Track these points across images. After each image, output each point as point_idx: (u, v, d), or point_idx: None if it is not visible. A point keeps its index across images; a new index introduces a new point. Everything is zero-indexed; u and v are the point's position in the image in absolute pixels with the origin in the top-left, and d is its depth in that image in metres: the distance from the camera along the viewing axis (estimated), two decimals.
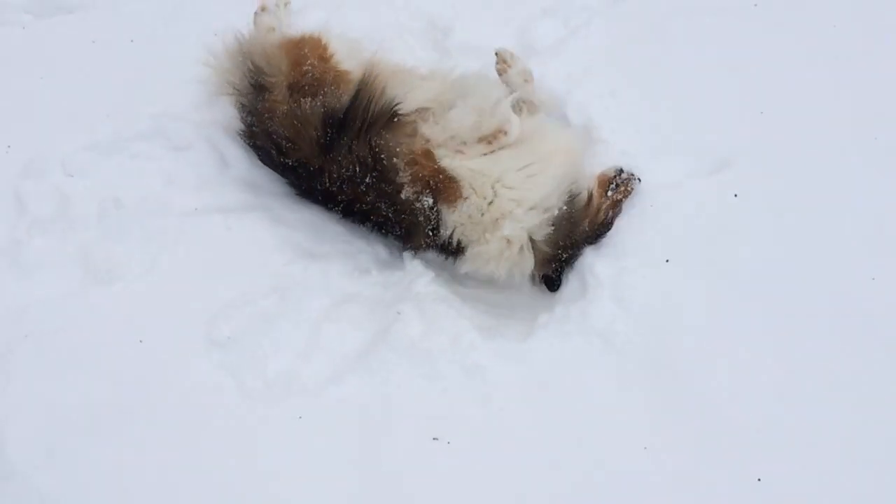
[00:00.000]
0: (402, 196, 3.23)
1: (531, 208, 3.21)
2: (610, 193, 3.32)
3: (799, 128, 3.44)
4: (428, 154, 3.22)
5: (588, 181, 3.36)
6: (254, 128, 3.46)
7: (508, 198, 3.20)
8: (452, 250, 3.32)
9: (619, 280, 3.09)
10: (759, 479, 2.60)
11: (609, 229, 3.28)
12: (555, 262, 3.31)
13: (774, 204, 3.23)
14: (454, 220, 3.23)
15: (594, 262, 3.18)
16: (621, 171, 3.37)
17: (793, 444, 2.67)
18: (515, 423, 2.80)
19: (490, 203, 3.21)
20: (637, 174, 3.34)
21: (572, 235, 3.26)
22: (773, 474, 2.60)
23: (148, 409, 2.80)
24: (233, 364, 2.92)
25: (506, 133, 3.23)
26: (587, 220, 3.29)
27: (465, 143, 3.23)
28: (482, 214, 3.22)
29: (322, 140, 3.25)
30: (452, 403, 2.85)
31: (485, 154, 3.24)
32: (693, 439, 2.70)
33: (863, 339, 2.86)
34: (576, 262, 3.31)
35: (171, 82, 3.82)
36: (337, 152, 3.24)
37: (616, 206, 3.31)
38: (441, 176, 3.19)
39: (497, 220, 3.21)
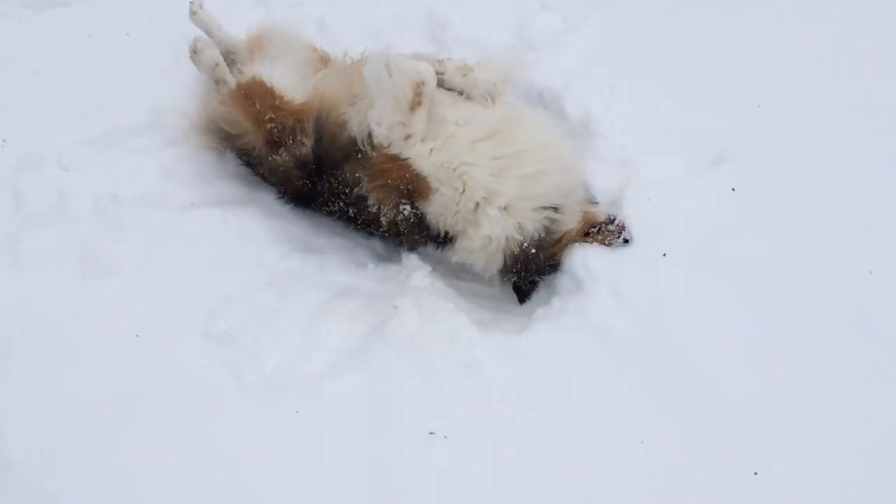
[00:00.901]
0: (385, 214, 3.22)
1: (504, 207, 3.11)
2: (588, 237, 3.22)
3: (797, 122, 3.44)
4: (390, 158, 3.10)
5: (575, 209, 3.24)
6: (253, 171, 3.61)
7: (478, 186, 3.08)
8: (442, 241, 3.26)
9: (616, 275, 3.09)
10: (755, 473, 2.61)
11: (557, 271, 3.24)
12: (512, 273, 3.28)
13: (772, 198, 3.23)
14: (434, 212, 3.16)
15: (589, 258, 3.17)
16: (613, 219, 3.21)
17: (789, 438, 2.68)
18: (512, 417, 2.80)
19: (462, 192, 3.09)
20: (628, 235, 3.16)
21: (530, 259, 3.21)
22: (769, 468, 2.61)
23: (145, 404, 2.79)
24: (230, 359, 2.92)
25: (422, 82, 2.97)
26: (547, 252, 3.21)
27: (403, 124, 3.03)
28: (457, 204, 3.12)
29: (306, 184, 3.38)
30: (450, 398, 2.85)
31: (430, 121, 3.07)
32: (690, 433, 2.71)
33: (860, 334, 2.86)
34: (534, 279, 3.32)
35: (167, 76, 3.82)
36: (322, 190, 3.36)
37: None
38: (407, 176, 3.09)
39: (476, 211, 3.12)
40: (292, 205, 3.56)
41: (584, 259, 3.20)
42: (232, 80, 3.53)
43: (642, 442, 2.71)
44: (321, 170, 3.31)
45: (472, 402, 2.84)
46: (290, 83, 3.40)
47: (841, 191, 3.23)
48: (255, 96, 3.34)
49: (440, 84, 3.18)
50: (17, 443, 2.68)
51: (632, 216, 3.23)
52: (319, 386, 2.87)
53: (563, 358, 2.95)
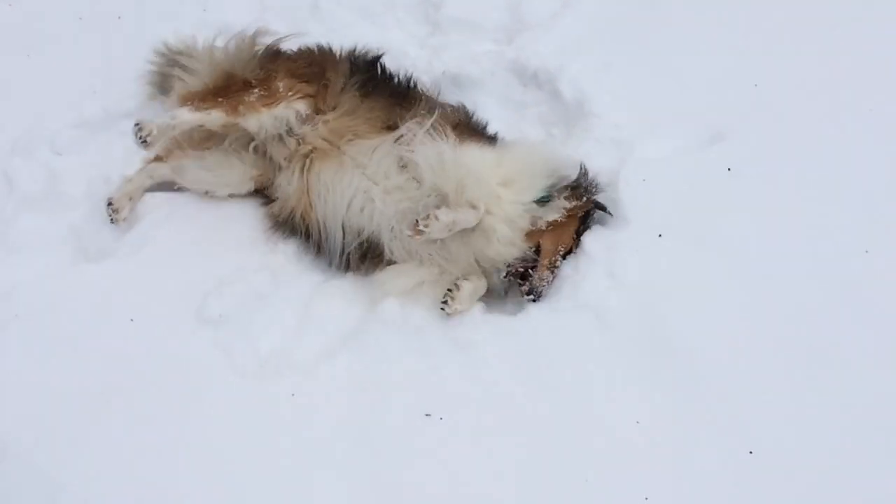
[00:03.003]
0: None
1: None
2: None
3: (793, 100, 3.42)
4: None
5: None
6: None
7: None
8: None
9: (611, 255, 3.08)
10: (750, 452, 2.60)
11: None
12: None
13: (768, 178, 3.22)
14: None
15: (585, 238, 3.17)
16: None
17: (784, 417, 2.67)
18: (508, 398, 2.80)
19: None
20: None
21: None
22: (764, 447, 2.61)
23: (140, 387, 2.79)
24: (225, 342, 2.92)
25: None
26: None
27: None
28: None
29: None
30: (445, 379, 2.85)
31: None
32: (685, 413, 2.70)
33: (856, 314, 2.86)
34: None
35: None
36: None
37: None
38: None
39: None
40: None
41: (582, 239, 3.19)
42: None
43: (638, 422, 2.70)
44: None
45: (467, 383, 2.84)
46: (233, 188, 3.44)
47: (837, 170, 3.22)
48: None
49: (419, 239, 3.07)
50: (12, 426, 2.68)
51: (627, 196, 3.22)
52: (314, 367, 2.87)
53: (559, 339, 2.94)
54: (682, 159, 3.31)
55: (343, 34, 3.60)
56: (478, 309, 3.10)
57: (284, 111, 3.26)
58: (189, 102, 3.27)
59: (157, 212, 3.26)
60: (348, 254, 3.22)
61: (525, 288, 3.10)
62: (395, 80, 3.44)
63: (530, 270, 3.12)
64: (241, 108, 3.25)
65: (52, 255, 3.08)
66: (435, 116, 3.18)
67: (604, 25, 3.83)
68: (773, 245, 3.04)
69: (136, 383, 2.79)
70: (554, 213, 3.15)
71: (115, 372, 2.81)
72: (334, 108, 3.31)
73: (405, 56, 3.84)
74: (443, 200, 3.05)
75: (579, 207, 3.19)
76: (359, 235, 3.19)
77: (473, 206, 3.03)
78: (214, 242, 3.23)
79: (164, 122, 3.17)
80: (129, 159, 3.45)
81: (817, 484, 2.55)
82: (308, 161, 3.26)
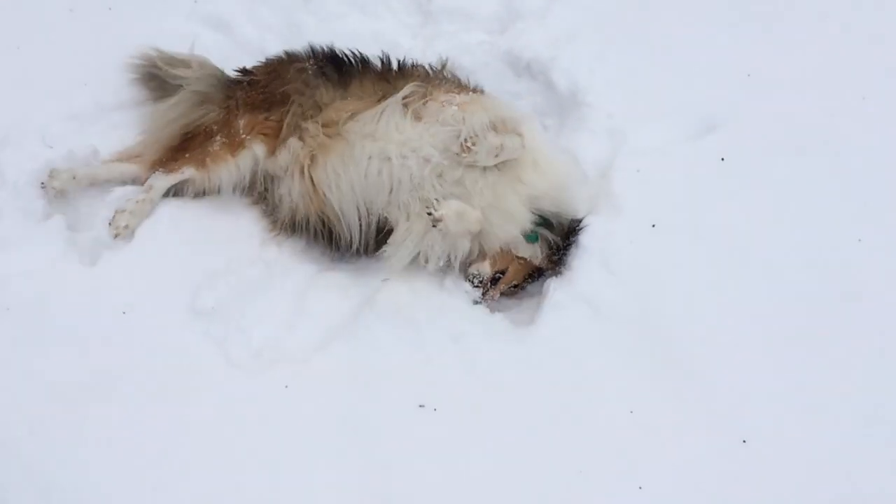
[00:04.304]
0: None
1: None
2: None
3: (786, 90, 3.42)
4: None
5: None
6: None
7: None
8: None
9: (605, 245, 3.08)
10: (743, 441, 2.61)
11: None
12: None
13: (761, 168, 3.23)
14: None
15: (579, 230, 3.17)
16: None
17: (777, 406, 2.69)
18: (502, 388, 2.80)
19: None
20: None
21: None
22: (757, 436, 2.62)
23: (133, 380, 2.78)
24: (218, 334, 2.91)
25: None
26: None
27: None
28: None
29: None
30: (439, 370, 2.85)
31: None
32: (679, 403, 2.72)
33: (849, 302, 2.87)
34: None
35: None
36: None
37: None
38: None
39: None
40: None
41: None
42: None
43: (632, 411, 2.71)
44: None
45: (460, 374, 2.84)
46: None
47: (830, 160, 3.23)
48: None
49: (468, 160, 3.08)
50: (6, 421, 2.66)
51: (621, 187, 3.22)
52: (307, 359, 2.87)
53: (553, 329, 2.95)
54: (676, 149, 3.31)
55: (335, 25, 3.59)
56: (470, 301, 3.11)
57: (245, 157, 3.24)
58: (158, 167, 3.26)
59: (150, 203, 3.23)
60: (366, 233, 3.17)
61: (475, 294, 3.14)
62: (380, 61, 3.40)
63: (490, 284, 3.18)
64: (208, 160, 3.23)
65: (44, 247, 3.04)
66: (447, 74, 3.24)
67: (597, 15, 3.82)
68: (767, 234, 3.05)
69: (129, 376, 2.78)
70: (527, 252, 3.20)
71: (107, 365, 2.79)
72: (318, 108, 3.27)
73: (398, 46, 3.82)
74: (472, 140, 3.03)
75: (544, 263, 3.22)
76: (378, 205, 3.14)
77: (519, 134, 3.06)
78: (208, 235, 3.21)
79: (140, 199, 3.17)
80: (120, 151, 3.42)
81: (810, 472, 2.56)
82: (309, 160, 3.20)
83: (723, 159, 3.23)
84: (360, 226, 3.16)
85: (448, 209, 2.96)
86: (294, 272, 3.16)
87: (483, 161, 3.02)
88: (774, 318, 2.85)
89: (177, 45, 3.61)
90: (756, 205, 3.12)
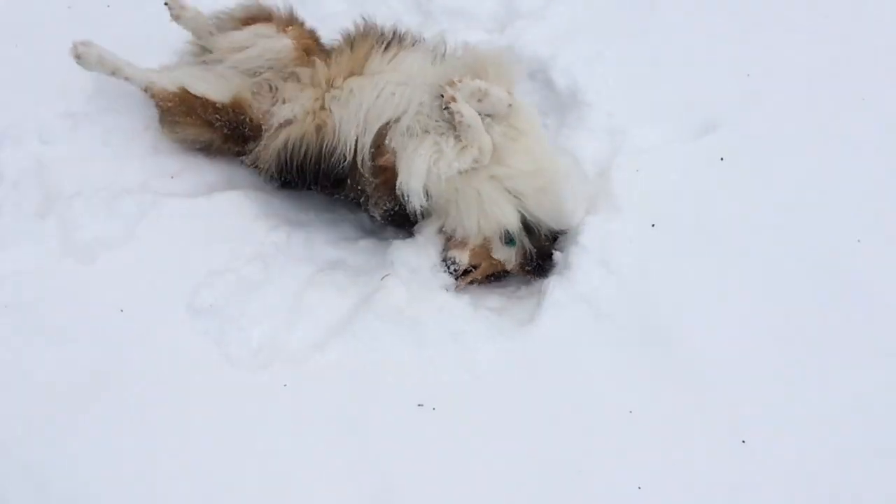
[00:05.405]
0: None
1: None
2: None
3: (785, 90, 3.42)
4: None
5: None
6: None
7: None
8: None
9: (604, 245, 3.08)
10: (743, 441, 2.61)
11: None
12: None
13: (760, 168, 3.23)
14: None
15: (578, 228, 3.16)
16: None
17: (777, 406, 2.69)
18: (501, 388, 2.80)
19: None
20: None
21: None
22: (756, 436, 2.62)
23: (131, 379, 2.76)
24: (216, 332, 2.90)
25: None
26: None
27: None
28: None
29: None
30: (438, 369, 2.84)
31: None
32: (678, 403, 2.71)
33: (848, 302, 2.87)
34: None
35: (149, 48, 3.74)
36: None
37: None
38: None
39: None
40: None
41: (572, 231, 3.19)
42: (142, 78, 3.39)
43: (631, 412, 2.71)
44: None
45: (459, 373, 2.83)
46: (211, 87, 3.35)
47: (829, 160, 3.23)
48: (195, 105, 3.31)
49: (448, 108, 3.04)
50: (2, 420, 2.65)
51: (620, 186, 3.22)
52: (306, 358, 2.86)
53: (553, 329, 2.95)
54: (675, 149, 3.31)
55: (333, 22, 3.56)
56: (469, 302, 3.10)
57: (281, 40, 3.31)
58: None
59: (148, 202, 3.22)
60: (358, 154, 3.15)
61: (447, 281, 3.17)
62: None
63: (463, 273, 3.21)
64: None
65: (41, 245, 3.03)
66: None
67: (596, 14, 3.82)
68: (766, 234, 3.05)
69: (126, 374, 2.77)
70: (502, 255, 3.22)
71: (104, 363, 2.78)
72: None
73: None
74: None
75: (515, 270, 3.27)
76: (378, 122, 3.12)
77: (508, 91, 3.06)
78: (206, 233, 3.19)
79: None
80: (121, 151, 3.42)
81: (810, 473, 2.56)
82: (326, 85, 3.23)
83: (723, 159, 3.24)
84: (357, 142, 3.14)
85: (463, 104, 2.97)
86: (293, 271, 3.15)
87: (465, 95, 2.97)
88: (774, 319, 2.85)
89: (177, 45, 3.60)
90: (756, 205, 3.12)
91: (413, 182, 3.01)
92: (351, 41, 3.32)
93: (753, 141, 3.27)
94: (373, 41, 3.27)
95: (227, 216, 3.28)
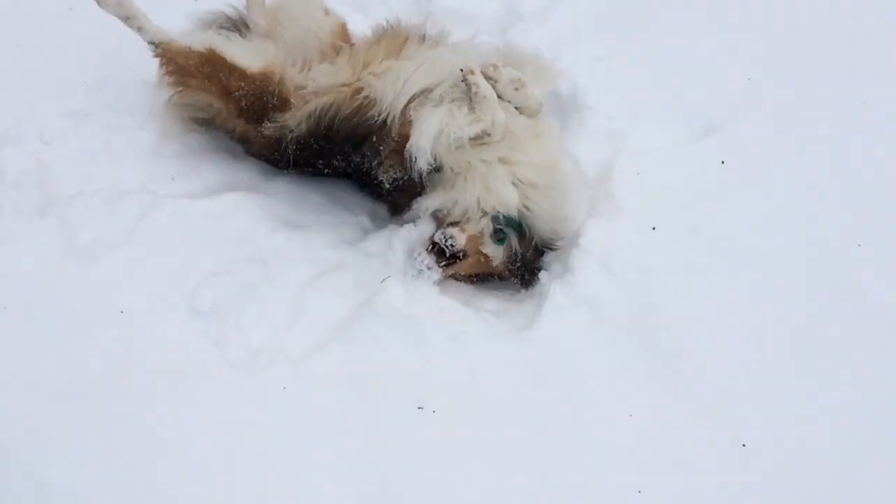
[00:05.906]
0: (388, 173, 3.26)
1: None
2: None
3: (786, 93, 3.43)
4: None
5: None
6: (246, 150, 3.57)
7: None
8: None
9: (605, 248, 3.08)
10: (743, 445, 2.61)
11: None
12: None
13: (761, 171, 3.23)
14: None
15: (579, 230, 3.16)
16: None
17: (778, 409, 2.68)
18: (501, 390, 2.79)
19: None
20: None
21: None
22: (757, 440, 2.61)
23: (130, 380, 2.76)
24: (215, 334, 2.89)
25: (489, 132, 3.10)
26: None
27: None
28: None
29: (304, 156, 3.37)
30: (438, 372, 2.83)
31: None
32: (679, 406, 2.71)
33: (849, 306, 2.87)
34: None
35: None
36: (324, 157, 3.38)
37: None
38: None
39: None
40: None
41: (576, 231, 3.20)
42: (156, 33, 3.38)
43: (631, 415, 2.70)
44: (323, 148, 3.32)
45: (460, 375, 2.83)
46: (244, 52, 3.33)
47: (829, 163, 3.23)
48: (213, 67, 3.27)
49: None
50: (2, 421, 2.65)
51: (621, 189, 3.22)
52: (306, 360, 2.85)
53: (553, 331, 2.94)
54: (677, 151, 3.32)
55: None
56: (468, 304, 3.10)
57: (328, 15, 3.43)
58: None
59: (149, 203, 3.22)
60: (390, 114, 3.16)
61: (428, 262, 3.15)
62: None
63: (450, 258, 3.17)
64: None
65: (42, 246, 3.04)
66: None
67: (597, 17, 3.83)
68: (767, 238, 3.05)
69: (125, 375, 2.76)
70: (490, 251, 3.20)
71: (104, 364, 2.78)
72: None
73: None
74: None
75: (499, 268, 3.24)
76: (416, 86, 3.15)
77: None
78: (206, 235, 3.19)
79: None
80: (122, 152, 3.42)
81: (811, 476, 2.55)
82: (363, 64, 3.25)
83: (723, 162, 3.24)
84: (393, 103, 3.14)
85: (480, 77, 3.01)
86: (292, 273, 3.14)
87: (504, 83, 3.07)
88: (775, 321, 2.85)
89: None
90: (756, 207, 3.12)
91: (422, 141, 3.05)
92: (385, 34, 3.34)
93: (753, 144, 3.28)
94: (408, 33, 3.30)
95: (228, 218, 3.28)
